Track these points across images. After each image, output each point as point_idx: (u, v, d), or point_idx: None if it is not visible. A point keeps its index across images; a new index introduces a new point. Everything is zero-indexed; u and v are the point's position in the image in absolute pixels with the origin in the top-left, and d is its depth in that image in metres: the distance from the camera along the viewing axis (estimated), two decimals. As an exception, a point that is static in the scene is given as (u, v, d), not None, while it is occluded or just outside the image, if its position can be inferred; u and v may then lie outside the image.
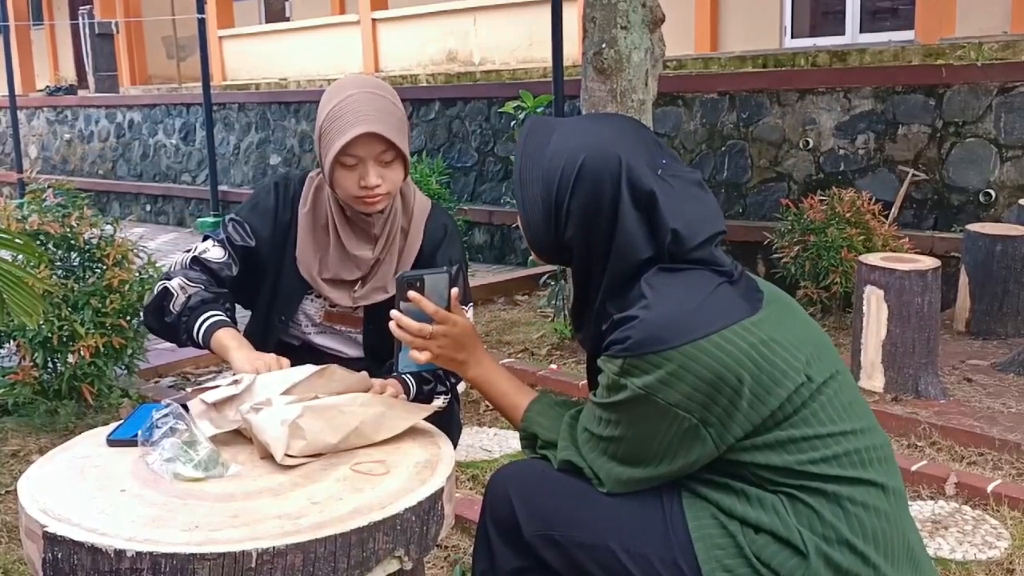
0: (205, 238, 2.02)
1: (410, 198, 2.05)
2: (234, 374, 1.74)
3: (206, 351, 1.91)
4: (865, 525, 1.33)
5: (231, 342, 1.83)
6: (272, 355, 1.78)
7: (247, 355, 1.78)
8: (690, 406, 1.30)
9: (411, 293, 1.56)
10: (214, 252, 1.98)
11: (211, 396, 1.61)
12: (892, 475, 1.39)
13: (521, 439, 1.60)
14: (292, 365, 1.73)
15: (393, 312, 1.58)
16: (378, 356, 2.05)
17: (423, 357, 1.58)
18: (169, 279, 1.94)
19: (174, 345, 2.02)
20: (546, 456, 1.53)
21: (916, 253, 4.06)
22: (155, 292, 1.95)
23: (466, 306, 2.07)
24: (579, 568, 1.42)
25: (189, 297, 1.91)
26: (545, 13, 5.27)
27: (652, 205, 1.36)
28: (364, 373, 1.75)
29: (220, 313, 1.90)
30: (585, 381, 3.99)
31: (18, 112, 11.37)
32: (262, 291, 2.04)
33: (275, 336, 2.03)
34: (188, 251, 2.00)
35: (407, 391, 1.92)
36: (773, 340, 1.32)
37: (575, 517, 1.43)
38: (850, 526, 1.32)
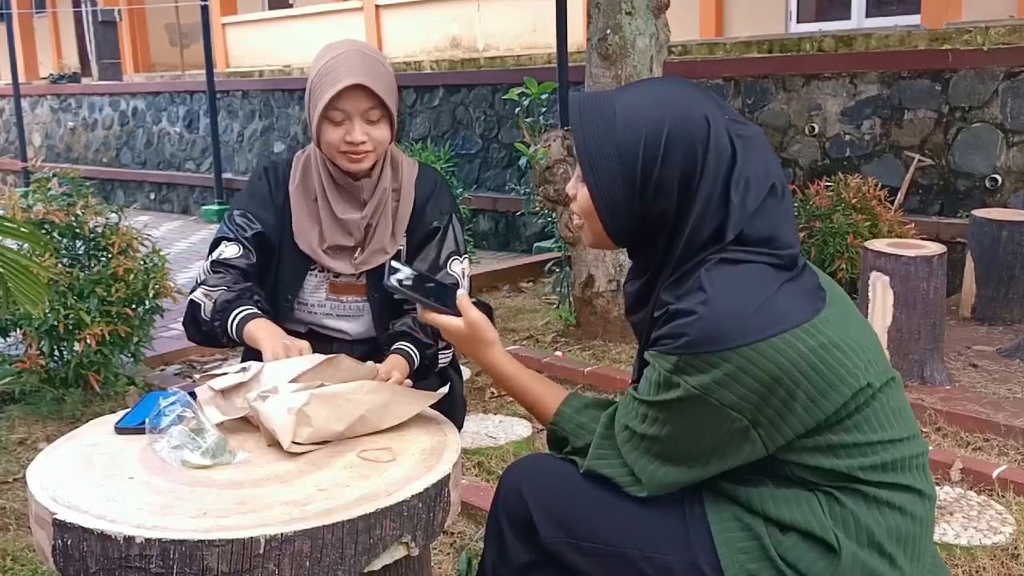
0: (216, 242, 2.06)
1: (400, 161, 2.10)
2: (242, 361, 1.75)
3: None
4: (901, 530, 1.32)
5: (260, 332, 1.86)
6: (288, 343, 1.79)
7: (272, 345, 1.80)
8: (743, 407, 1.26)
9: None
10: (229, 250, 2.02)
11: (218, 383, 1.62)
12: (929, 483, 1.38)
13: (548, 440, 1.55)
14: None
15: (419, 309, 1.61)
16: (385, 322, 2.09)
17: None
18: (194, 291, 2.01)
19: (180, 333, 2.05)
20: (570, 458, 1.47)
21: (922, 239, 4.04)
22: (186, 308, 2.02)
23: (460, 256, 2.10)
24: (599, 570, 1.40)
25: (215, 302, 1.96)
26: (549, -1, 5.25)
27: (732, 164, 1.30)
28: (371, 363, 1.76)
29: (248, 307, 1.94)
30: (589, 368, 3.97)
31: (22, 100, 11.38)
32: (268, 275, 2.07)
33: (282, 318, 2.05)
34: (208, 259, 2.05)
35: (411, 363, 1.95)
36: (833, 344, 1.27)
37: (594, 524, 1.40)
38: (887, 530, 1.31)
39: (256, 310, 1.93)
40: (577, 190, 1.41)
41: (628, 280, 1.48)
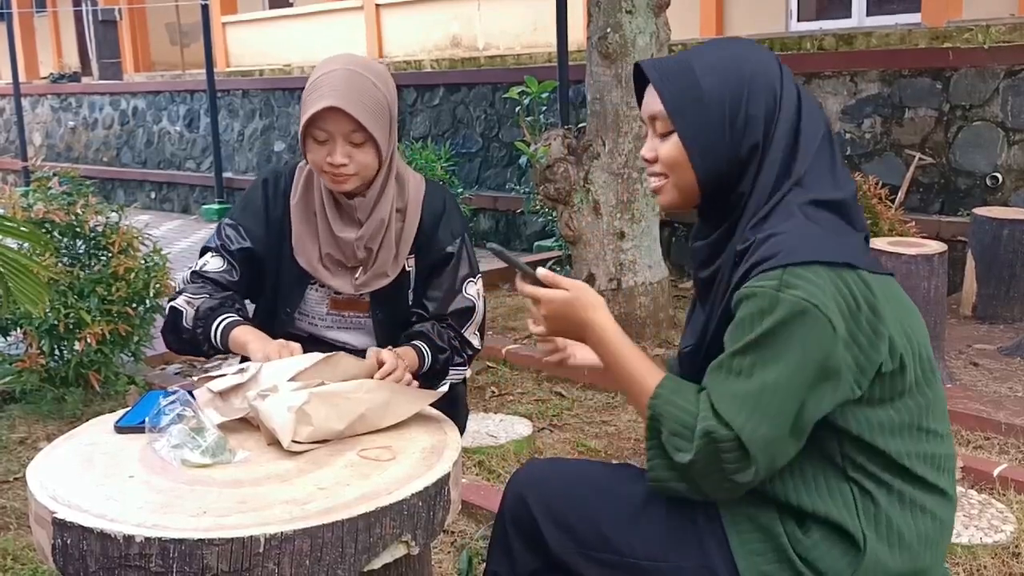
0: (203, 251, 2.04)
1: (406, 179, 2.05)
2: (241, 361, 1.75)
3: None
4: (929, 535, 1.34)
5: (246, 336, 1.85)
6: (282, 341, 1.79)
7: (262, 345, 1.80)
8: (838, 321, 1.24)
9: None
10: (213, 263, 2.00)
11: (217, 385, 1.61)
12: (954, 488, 1.41)
13: (647, 425, 1.38)
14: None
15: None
16: (387, 339, 2.06)
17: (537, 330, 1.50)
18: (175, 299, 1.98)
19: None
20: (664, 444, 1.34)
21: (922, 237, 4.04)
22: (166, 315, 1.99)
23: (475, 278, 2.09)
24: None
25: (197, 309, 1.94)
26: (549, -3, 5.25)
27: (799, 104, 1.38)
28: (371, 361, 1.75)
29: (231, 314, 1.92)
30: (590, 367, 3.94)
31: (22, 100, 11.38)
32: (265, 287, 2.05)
33: (282, 329, 2.04)
34: (190, 268, 2.03)
35: (421, 361, 1.94)
36: (907, 307, 1.34)
37: (603, 533, 1.39)
38: (918, 534, 1.33)
39: (239, 317, 1.92)
40: (656, 151, 1.41)
41: (697, 237, 1.47)
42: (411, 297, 2.08)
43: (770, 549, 1.32)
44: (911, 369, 1.31)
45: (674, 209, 1.46)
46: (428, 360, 1.96)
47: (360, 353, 2.04)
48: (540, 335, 1.51)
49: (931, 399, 1.36)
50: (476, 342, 2.10)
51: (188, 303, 1.95)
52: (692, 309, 1.52)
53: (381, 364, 1.77)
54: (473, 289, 2.08)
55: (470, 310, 2.07)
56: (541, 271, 1.47)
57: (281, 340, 1.80)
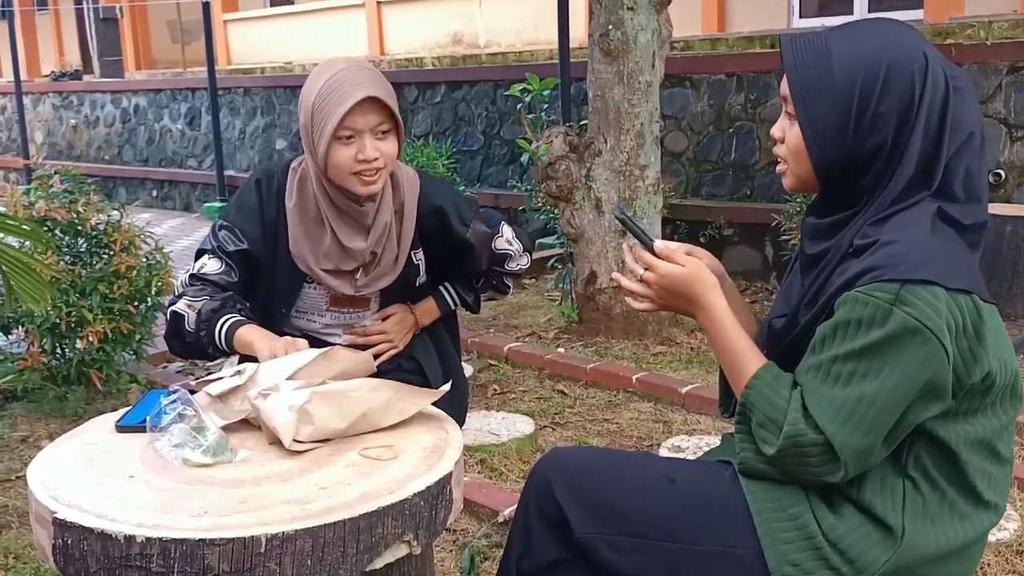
0: (199, 254, 2.02)
1: (399, 177, 2.04)
2: (239, 362, 1.74)
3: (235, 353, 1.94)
4: (969, 542, 1.35)
5: (251, 335, 1.84)
6: (288, 338, 1.78)
7: (268, 343, 1.79)
8: (945, 338, 1.22)
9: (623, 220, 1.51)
10: (211, 265, 1.98)
11: (215, 388, 1.61)
12: (1005, 502, 1.41)
13: (738, 411, 1.40)
14: None
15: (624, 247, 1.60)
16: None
17: (638, 306, 1.49)
18: (175, 303, 1.96)
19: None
20: (753, 432, 1.34)
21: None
22: (168, 320, 1.98)
23: (497, 231, 2.20)
24: (633, 566, 1.39)
25: (199, 312, 1.92)
26: (551, -6, 5.24)
27: (946, 101, 1.30)
28: (368, 354, 1.76)
29: (234, 314, 1.91)
30: (592, 365, 3.95)
31: (24, 98, 11.38)
32: (260, 287, 2.04)
33: (278, 329, 2.03)
34: (187, 271, 2.02)
35: (440, 302, 2.20)
36: (1004, 335, 1.32)
37: (627, 514, 1.39)
38: (958, 539, 1.33)
39: (242, 317, 1.91)
40: (785, 132, 1.39)
41: (812, 212, 1.43)
42: (421, 285, 2.14)
43: (800, 537, 1.31)
44: (995, 390, 1.32)
45: (796, 192, 1.45)
46: (450, 294, 2.20)
47: (361, 346, 2.05)
48: (645, 310, 1.50)
49: (1006, 422, 1.35)
50: (524, 263, 2.27)
51: (189, 306, 1.93)
52: (788, 278, 1.51)
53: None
54: (502, 242, 2.18)
55: (504, 256, 2.23)
56: (659, 244, 1.47)
57: (287, 338, 1.79)
